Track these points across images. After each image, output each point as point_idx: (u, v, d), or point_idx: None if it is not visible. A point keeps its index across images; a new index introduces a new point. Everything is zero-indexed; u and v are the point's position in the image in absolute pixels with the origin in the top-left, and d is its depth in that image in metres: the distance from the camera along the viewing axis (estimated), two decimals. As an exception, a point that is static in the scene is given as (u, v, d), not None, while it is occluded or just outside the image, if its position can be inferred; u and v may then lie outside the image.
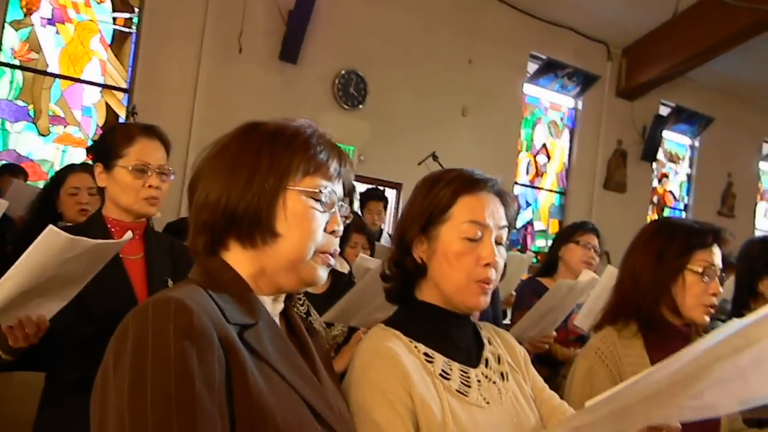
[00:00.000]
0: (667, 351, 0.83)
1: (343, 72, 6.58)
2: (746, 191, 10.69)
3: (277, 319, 1.04)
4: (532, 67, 8.28)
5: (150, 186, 1.80)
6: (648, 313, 1.68)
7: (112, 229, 1.80)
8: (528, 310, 2.99)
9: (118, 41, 5.80)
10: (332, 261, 1.04)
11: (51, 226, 1.33)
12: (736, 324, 0.83)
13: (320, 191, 1.00)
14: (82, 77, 5.66)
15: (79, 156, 5.52)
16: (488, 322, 1.43)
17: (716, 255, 1.67)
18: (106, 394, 0.82)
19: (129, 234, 1.59)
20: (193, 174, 1.03)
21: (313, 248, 0.99)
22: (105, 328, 1.63)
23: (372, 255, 3.35)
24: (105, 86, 5.76)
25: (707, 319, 1.66)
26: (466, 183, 1.23)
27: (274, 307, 1.03)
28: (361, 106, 6.68)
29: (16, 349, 1.51)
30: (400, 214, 1.29)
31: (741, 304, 2.02)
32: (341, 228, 1.04)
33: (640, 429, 1.03)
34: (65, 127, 5.60)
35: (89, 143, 5.64)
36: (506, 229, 1.25)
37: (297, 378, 0.96)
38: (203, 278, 0.97)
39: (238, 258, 0.99)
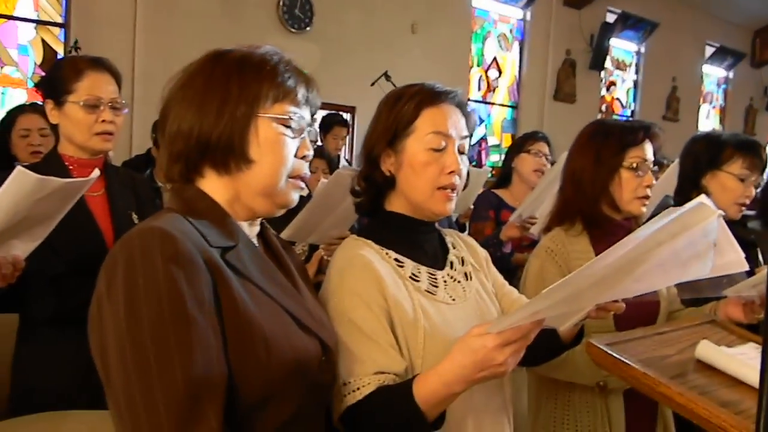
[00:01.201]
0: (610, 244, 0.91)
1: (287, -7, 6.39)
2: (689, 95, 10.96)
3: (255, 241, 1.09)
4: (479, -21, 8.18)
5: (104, 121, 1.78)
6: (590, 211, 1.79)
7: (70, 167, 1.79)
8: (484, 222, 3.12)
9: (48, -28, 5.50)
10: (302, 184, 1.08)
11: (19, 167, 1.33)
12: (672, 212, 0.91)
13: (290, 117, 1.03)
14: (15, 14, 5.38)
15: (19, 97, 5.32)
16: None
17: (648, 150, 1.78)
18: (103, 319, 0.87)
19: (96, 172, 1.58)
20: (163, 104, 1.04)
21: (286, 173, 1.03)
22: (74, 264, 1.68)
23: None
24: (39, 22, 5.50)
25: (644, 210, 1.79)
26: (428, 96, 1.28)
27: (251, 230, 1.09)
28: (308, 29, 6.54)
29: None
30: (367, 132, 1.34)
31: (684, 199, 2.12)
32: (311, 152, 1.08)
33: (590, 308, 1.14)
34: (2, 68, 5.36)
35: (29, 83, 5.43)
36: (468, 139, 1.33)
37: (278, 291, 1.02)
38: (181, 206, 1.01)
39: (213, 185, 1.03)
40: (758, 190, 2.15)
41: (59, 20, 5.56)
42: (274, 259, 1.11)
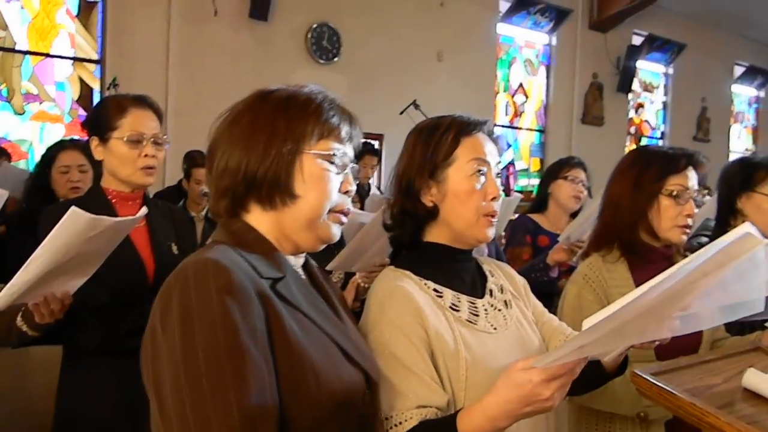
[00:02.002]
0: (649, 272, 0.91)
1: (314, 25, 6.51)
2: (720, 115, 10.84)
3: (300, 272, 1.11)
4: (504, 5, 8.24)
5: (146, 155, 1.83)
6: (628, 238, 1.78)
7: (113, 201, 1.84)
8: (522, 247, 3.10)
9: (84, 11, 5.68)
10: (344, 219, 1.10)
11: (74, 208, 1.38)
12: (718, 243, 0.90)
13: (334, 154, 1.06)
14: (52, 52, 5.57)
15: (57, 132, 5.48)
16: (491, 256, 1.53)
17: (690, 178, 1.76)
18: (157, 350, 0.89)
19: (144, 210, 1.62)
20: (211, 142, 1.07)
21: (328, 207, 1.06)
22: (117, 295, 1.72)
23: (362, 209, 3.41)
24: (76, 59, 5.68)
25: (684, 238, 1.76)
26: (464, 126, 1.31)
27: (296, 261, 1.11)
28: (336, 59, 6.64)
29: (42, 325, 1.58)
30: (396, 165, 1.35)
31: (723, 222, 2.12)
32: (354, 188, 1.11)
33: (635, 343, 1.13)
34: (40, 104, 5.53)
35: (66, 118, 5.58)
36: (500, 166, 1.35)
37: (325, 321, 1.04)
38: (229, 239, 1.03)
39: (259, 219, 1.06)
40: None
41: (95, 57, 5.73)
42: (318, 290, 1.13)
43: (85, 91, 5.71)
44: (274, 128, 1.02)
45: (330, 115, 1.06)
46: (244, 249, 1.01)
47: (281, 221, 1.05)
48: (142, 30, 5.71)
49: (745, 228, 0.92)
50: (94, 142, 1.85)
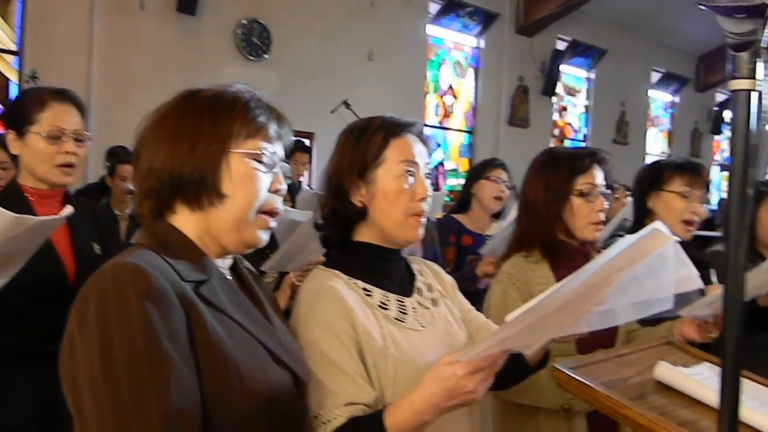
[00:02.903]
0: (570, 269, 0.95)
1: (244, 21, 6.42)
2: (637, 119, 11.33)
3: (227, 274, 1.10)
4: (434, 7, 8.35)
5: (66, 152, 1.76)
6: (547, 239, 1.84)
7: (31, 198, 1.76)
8: (447, 247, 3.16)
9: (3, 0, 5.39)
10: (273, 223, 1.09)
11: None
12: (629, 239, 0.95)
13: (262, 153, 1.05)
14: (-35, 42, 5.27)
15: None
16: (429, 258, 1.56)
17: (597, 176, 1.84)
18: (75, 357, 0.87)
19: (69, 208, 1.55)
20: (136, 143, 1.05)
21: (257, 207, 1.05)
22: (35, 298, 1.65)
23: (293, 206, 3.39)
24: (-8, 50, 5.40)
25: (597, 235, 1.85)
26: (393, 127, 1.32)
27: (223, 263, 1.10)
28: (266, 56, 6.56)
29: None
30: (327, 165, 1.36)
31: (638, 223, 2.23)
32: (284, 187, 1.10)
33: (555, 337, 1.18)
34: (-47, 95, 5.24)
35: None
36: (429, 166, 1.37)
37: (251, 324, 1.03)
38: (152, 241, 1.01)
39: (185, 221, 1.04)
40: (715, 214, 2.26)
41: (13, 48, 5.46)
42: (246, 292, 1.12)
43: (2, 82, 5.43)
44: (199, 128, 1.01)
45: (257, 113, 1.05)
46: (167, 252, 0.99)
47: (208, 223, 1.03)
48: (64, 21, 5.49)
49: (654, 225, 0.97)
50: (11, 136, 1.77)
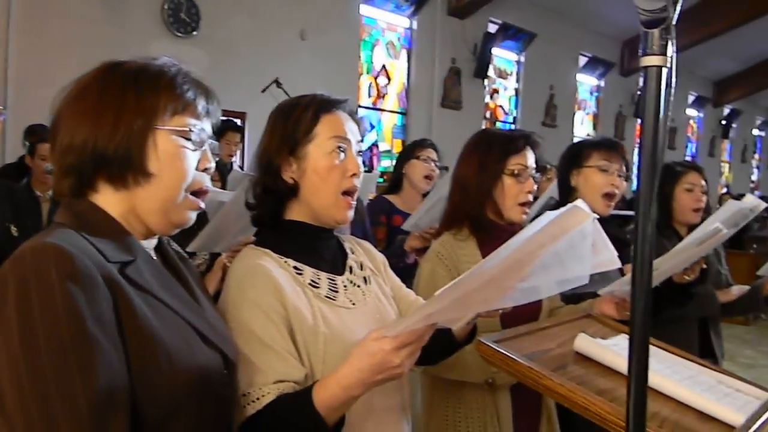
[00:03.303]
0: (496, 247, 0.98)
1: (171, -4, 6.20)
2: (566, 102, 11.62)
3: (153, 254, 1.07)
4: (367, -13, 8.30)
5: None
6: (476, 216, 1.90)
7: None
8: (377, 227, 3.20)
9: None
10: (202, 204, 1.07)
11: None
12: (550, 215, 0.99)
13: (190, 130, 1.02)
14: None
15: None
16: (358, 236, 1.57)
17: (529, 157, 1.91)
18: None
19: None
20: (54, 116, 1.00)
21: (185, 186, 1.02)
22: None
23: (224, 187, 3.34)
24: None
25: (524, 217, 1.91)
26: (324, 104, 1.33)
27: (148, 243, 1.07)
28: (195, 33, 6.36)
29: None
30: (259, 144, 1.35)
31: (563, 202, 2.31)
32: (213, 165, 1.08)
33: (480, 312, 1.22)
34: None
35: None
36: (360, 144, 1.38)
37: (179, 304, 1.01)
38: (73, 221, 0.97)
39: (108, 200, 1.00)
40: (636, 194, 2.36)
41: None
42: (173, 272, 1.10)
43: None
44: (123, 102, 0.97)
45: (184, 89, 1.02)
46: (90, 231, 0.95)
47: (133, 202, 1.00)
48: (-23, -10, 5.17)
49: (575, 203, 1.01)
50: None
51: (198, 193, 1.06)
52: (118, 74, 1.00)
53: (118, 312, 0.89)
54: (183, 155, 1.01)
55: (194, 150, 1.03)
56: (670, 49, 0.78)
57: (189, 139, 1.02)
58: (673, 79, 0.80)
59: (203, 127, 1.05)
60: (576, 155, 2.32)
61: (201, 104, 1.05)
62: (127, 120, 0.97)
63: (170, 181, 1.00)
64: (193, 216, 1.06)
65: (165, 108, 1.00)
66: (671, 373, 1.33)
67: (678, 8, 0.77)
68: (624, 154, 2.31)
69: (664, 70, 0.79)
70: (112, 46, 5.40)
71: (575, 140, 11.38)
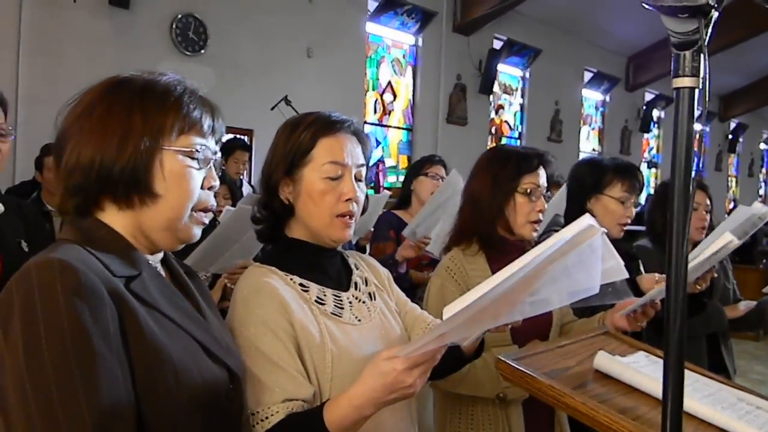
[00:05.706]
0: (505, 262, 0.98)
1: (179, 15, 6.25)
2: (571, 117, 11.63)
3: (159, 268, 1.07)
4: (372, 4, 8.35)
5: None
6: (487, 232, 1.89)
7: None
8: (385, 242, 3.21)
9: None
10: (206, 220, 1.07)
11: None
12: (564, 236, 0.99)
13: (196, 149, 1.01)
14: None
15: None
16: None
17: (541, 176, 1.90)
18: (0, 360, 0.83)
19: None
20: (59, 133, 0.99)
21: (191, 206, 1.02)
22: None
23: (234, 204, 3.36)
24: None
25: (534, 235, 1.90)
26: (324, 125, 1.31)
27: (154, 257, 1.06)
28: (203, 51, 6.42)
29: None
30: (266, 160, 1.36)
31: (572, 219, 2.29)
32: (218, 183, 1.08)
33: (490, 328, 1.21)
34: None
35: None
36: (364, 167, 1.37)
37: (185, 319, 1.01)
38: (77, 236, 0.97)
39: (113, 218, 1.00)
40: (642, 208, 2.34)
41: (-70, 38, 5.19)
42: (179, 287, 1.10)
43: None
44: (130, 122, 0.96)
45: (191, 108, 1.02)
46: (95, 246, 0.95)
47: (139, 221, 1.00)
48: (-10, 12, 5.23)
49: (585, 220, 1.01)
50: None
51: (203, 210, 1.05)
52: (123, 92, 0.99)
53: (124, 327, 0.89)
54: (189, 175, 1.01)
55: (199, 169, 1.03)
56: (702, 70, 0.79)
57: (195, 159, 1.02)
58: (706, 100, 0.80)
59: (208, 145, 1.05)
60: (597, 181, 2.28)
61: (207, 122, 1.04)
62: (133, 140, 0.96)
63: (176, 201, 1.00)
64: (198, 232, 1.06)
65: (171, 128, 0.99)
66: (692, 390, 1.31)
67: (710, 31, 0.77)
68: (642, 184, 2.31)
69: (696, 91, 0.79)
70: (121, 66, 5.32)
71: (581, 155, 11.39)
